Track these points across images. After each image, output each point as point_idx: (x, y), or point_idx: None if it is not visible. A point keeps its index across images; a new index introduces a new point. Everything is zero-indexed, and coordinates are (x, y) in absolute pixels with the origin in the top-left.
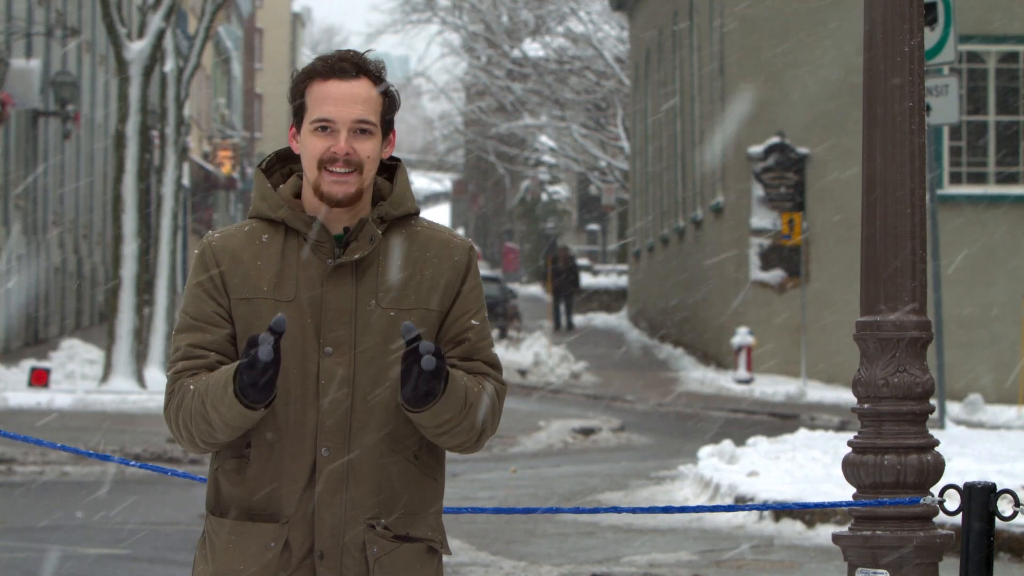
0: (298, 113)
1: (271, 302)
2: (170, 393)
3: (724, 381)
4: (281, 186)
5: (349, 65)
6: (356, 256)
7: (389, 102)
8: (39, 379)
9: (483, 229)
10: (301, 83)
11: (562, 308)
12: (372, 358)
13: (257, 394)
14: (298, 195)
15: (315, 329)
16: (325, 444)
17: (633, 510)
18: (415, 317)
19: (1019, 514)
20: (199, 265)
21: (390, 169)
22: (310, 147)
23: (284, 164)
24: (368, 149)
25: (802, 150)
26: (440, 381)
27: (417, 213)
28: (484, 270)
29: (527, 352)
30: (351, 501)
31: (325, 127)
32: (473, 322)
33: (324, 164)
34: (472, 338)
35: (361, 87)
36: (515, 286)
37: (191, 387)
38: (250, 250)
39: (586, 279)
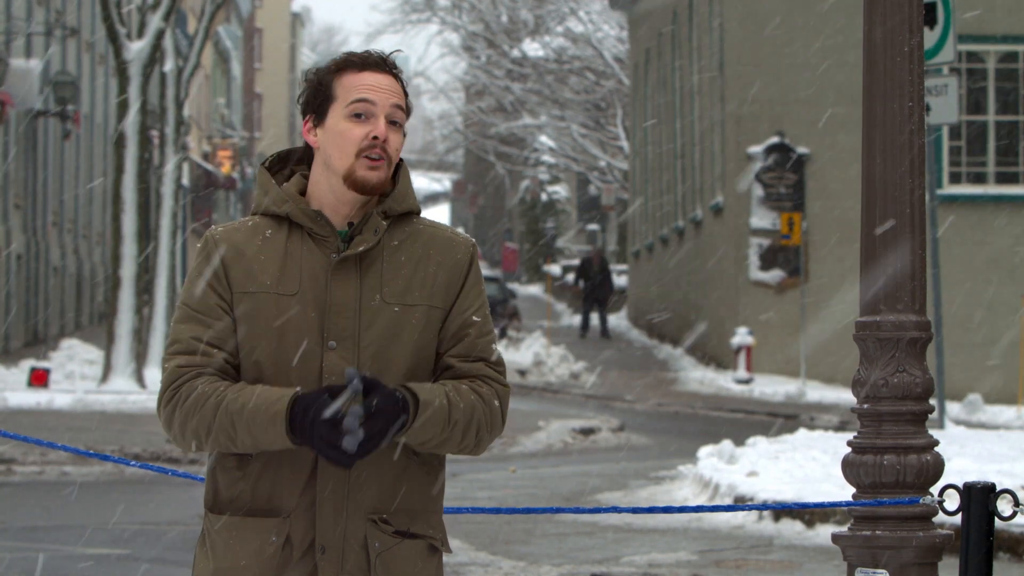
0: (322, 105)
1: (274, 296)
2: (169, 389)
3: (724, 381)
4: (285, 184)
5: (381, 61)
6: (361, 248)
7: (408, 105)
8: (39, 379)
9: (482, 229)
10: (329, 74)
11: (594, 315)
12: (376, 352)
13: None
14: (302, 192)
15: (319, 323)
16: None
17: (633, 510)
18: (419, 313)
19: (1018, 514)
20: (202, 257)
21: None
22: (347, 134)
23: (285, 165)
24: (397, 142)
25: (802, 150)
26: (386, 429)
27: (419, 212)
28: (484, 270)
29: (527, 352)
30: (352, 495)
31: (360, 113)
32: (474, 319)
33: (363, 151)
34: (472, 334)
35: (392, 81)
36: (515, 286)
37: (212, 398)
38: (253, 244)
39: None
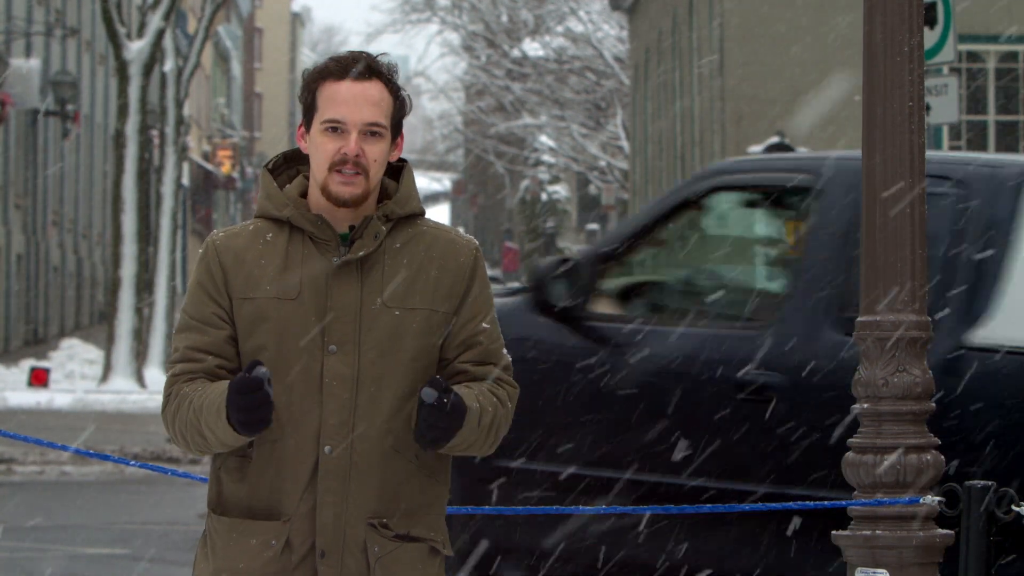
0: (308, 112)
1: (274, 301)
2: (167, 396)
3: None
4: (287, 186)
5: (362, 66)
6: (361, 253)
7: (400, 105)
8: (39, 379)
9: (482, 229)
10: (312, 82)
11: None
12: (377, 357)
13: (251, 433)
14: (304, 195)
15: (319, 327)
16: (328, 442)
17: (633, 510)
18: (420, 317)
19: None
20: (201, 265)
21: (397, 170)
22: (320, 148)
23: (290, 165)
24: (377, 152)
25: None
26: (453, 422)
27: (422, 214)
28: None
29: None
30: (353, 499)
31: (336, 128)
32: (484, 325)
33: (334, 167)
34: (484, 341)
35: (373, 89)
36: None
37: (188, 399)
38: (254, 249)
39: None
